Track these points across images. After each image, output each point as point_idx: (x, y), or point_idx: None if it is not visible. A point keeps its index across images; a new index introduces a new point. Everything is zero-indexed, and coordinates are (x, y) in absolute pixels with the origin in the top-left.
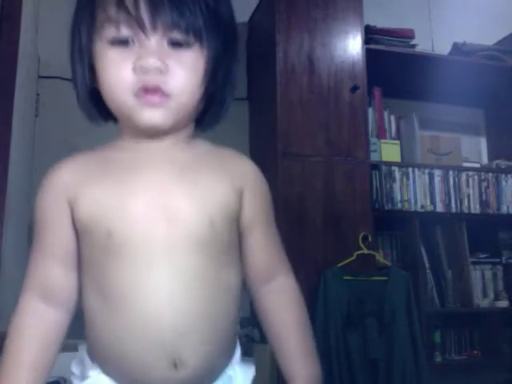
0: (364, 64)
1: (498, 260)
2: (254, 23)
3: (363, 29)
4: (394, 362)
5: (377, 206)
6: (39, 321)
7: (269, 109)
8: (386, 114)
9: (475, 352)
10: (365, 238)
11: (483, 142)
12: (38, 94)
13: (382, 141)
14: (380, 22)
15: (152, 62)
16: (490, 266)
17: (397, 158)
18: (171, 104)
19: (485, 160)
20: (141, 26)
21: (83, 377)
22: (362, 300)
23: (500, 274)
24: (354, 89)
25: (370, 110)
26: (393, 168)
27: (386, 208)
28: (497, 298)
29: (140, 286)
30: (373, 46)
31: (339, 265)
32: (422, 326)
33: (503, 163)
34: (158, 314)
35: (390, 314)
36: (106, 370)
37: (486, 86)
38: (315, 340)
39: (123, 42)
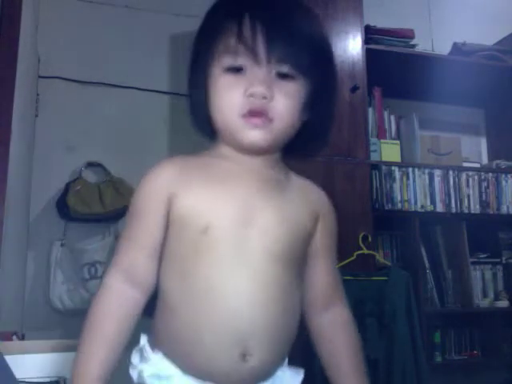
0: (364, 64)
1: (498, 260)
2: None
3: (363, 29)
4: (394, 362)
5: (377, 206)
6: (122, 300)
7: None
8: (386, 114)
9: (475, 352)
10: (365, 238)
11: (483, 142)
12: (37, 94)
13: (382, 141)
14: (380, 22)
15: (261, 89)
16: (490, 266)
17: (397, 158)
18: (272, 127)
19: (485, 160)
20: (256, 57)
21: (141, 364)
22: (362, 300)
23: (500, 274)
24: (354, 89)
25: (370, 110)
26: (393, 168)
27: (386, 208)
28: (497, 298)
29: (224, 281)
30: (373, 46)
31: (339, 265)
32: (422, 326)
33: (503, 163)
34: (237, 309)
35: (390, 313)
36: (171, 356)
37: (486, 86)
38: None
39: (237, 70)
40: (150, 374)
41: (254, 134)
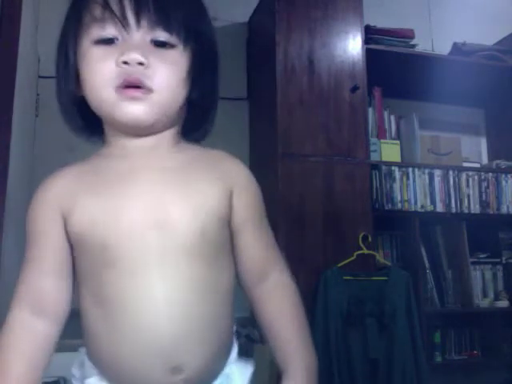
0: (364, 64)
1: (498, 260)
2: (254, 23)
3: (363, 29)
4: (394, 362)
5: (377, 205)
6: (29, 335)
7: (269, 109)
8: (386, 114)
9: (475, 352)
10: (365, 238)
11: (483, 142)
12: (37, 94)
13: (382, 141)
14: (380, 22)
15: (134, 56)
16: (490, 266)
17: (397, 158)
18: (153, 99)
19: (485, 160)
20: (124, 24)
21: (83, 379)
22: (362, 300)
23: (500, 274)
24: (354, 89)
25: (370, 110)
26: (393, 168)
27: (386, 208)
28: (497, 298)
29: (137, 296)
30: (373, 46)
31: (339, 265)
32: (422, 326)
33: (503, 163)
34: (156, 323)
35: (390, 313)
36: (106, 376)
37: (486, 86)
38: (315, 340)
39: (108, 41)
40: None
41: (134, 108)
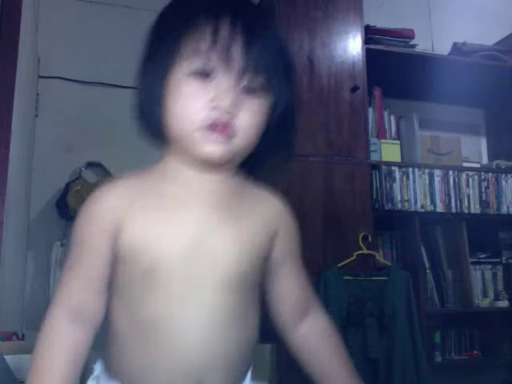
0: (364, 64)
1: (498, 260)
2: None
3: (363, 29)
4: (394, 361)
5: (377, 205)
6: (67, 341)
7: None
8: (386, 114)
9: (475, 352)
10: (365, 238)
11: (483, 142)
12: (37, 94)
13: (382, 141)
14: (380, 22)
15: (226, 103)
16: (490, 266)
17: (397, 158)
18: (234, 143)
19: (485, 160)
20: (229, 65)
21: None
22: (362, 300)
23: (500, 274)
24: (354, 89)
25: (370, 110)
26: (393, 168)
27: (386, 208)
28: (497, 298)
29: (172, 319)
30: (373, 46)
31: (339, 265)
32: (422, 326)
33: (503, 163)
34: (186, 347)
35: (390, 313)
36: None
37: (486, 86)
38: None
39: (204, 76)
40: None
41: (214, 149)
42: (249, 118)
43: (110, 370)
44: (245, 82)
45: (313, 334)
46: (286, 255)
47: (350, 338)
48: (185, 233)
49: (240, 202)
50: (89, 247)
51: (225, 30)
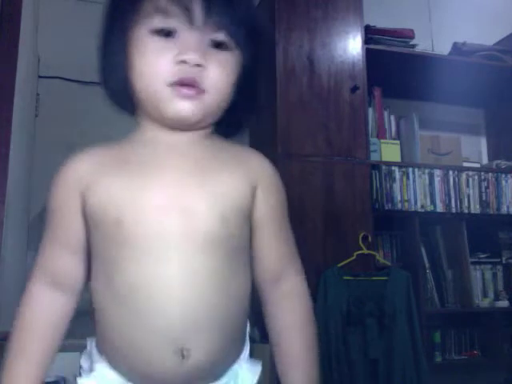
0: (364, 64)
1: (498, 260)
2: None
3: (363, 29)
4: (394, 362)
5: (377, 205)
6: (47, 306)
7: (269, 109)
8: (386, 114)
9: (475, 352)
10: (365, 238)
11: (483, 142)
12: (37, 94)
13: (382, 141)
14: (380, 22)
15: (195, 56)
16: (490, 266)
17: (397, 158)
18: (204, 100)
19: (485, 160)
20: (190, 20)
21: (91, 370)
22: (362, 300)
23: (500, 274)
24: (354, 89)
25: (370, 110)
26: (393, 168)
27: (386, 208)
28: (497, 298)
29: (149, 278)
30: (373, 46)
31: (339, 265)
32: (422, 326)
33: (503, 163)
34: (167, 307)
35: (390, 314)
36: (113, 363)
37: (486, 86)
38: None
39: (166, 34)
40: None
41: (184, 106)
42: (219, 73)
43: (97, 346)
44: (209, 37)
45: (283, 300)
46: (265, 216)
47: (349, 338)
48: (153, 188)
49: (217, 160)
50: (60, 213)
51: None
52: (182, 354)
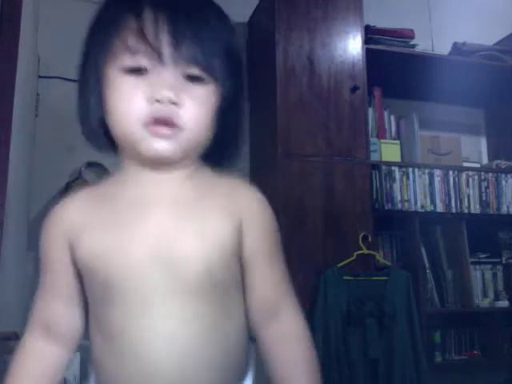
0: (364, 64)
1: (498, 260)
2: (254, 23)
3: (363, 29)
4: (394, 362)
5: (377, 205)
6: (40, 358)
7: (269, 109)
8: (386, 114)
9: (475, 352)
10: (365, 238)
11: (483, 142)
12: (37, 94)
13: (382, 141)
14: (380, 22)
15: (167, 94)
16: (490, 266)
17: (397, 158)
18: (182, 137)
19: (485, 160)
20: (159, 56)
21: None
22: (362, 300)
23: (500, 274)
24: (354, 89)
25: (370, 110)
26: (393, 168)
27: (386, 208)
28: (497, 298)
29: (136, 332)
30: (373, 46)
31: (339, 265)
32: (422, 326)
33: (503, 163)
34: (156, 361)
35: (390, 313)
36: None
37: (486, 86)
38: (315, 340)
39: (138, 72)
40: None
41: (161, 145)
42: (195, 108)
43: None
44: (182, 71)
45: (282, 340)
46: (255, 249)
47: (349, 338)
48: (140, 240)
49: (204, 197)
50: (51, 264)
51: (148, 21)
52: None
